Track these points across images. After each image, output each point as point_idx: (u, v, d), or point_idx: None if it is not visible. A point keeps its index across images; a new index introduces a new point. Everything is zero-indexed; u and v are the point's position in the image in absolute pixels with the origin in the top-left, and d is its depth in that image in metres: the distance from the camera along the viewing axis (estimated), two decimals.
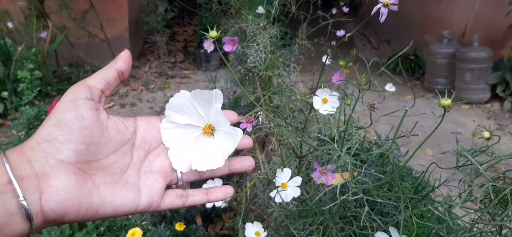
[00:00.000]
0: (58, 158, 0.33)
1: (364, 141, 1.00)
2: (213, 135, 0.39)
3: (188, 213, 1.71)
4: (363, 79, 0.77)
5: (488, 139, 0.59)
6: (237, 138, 0.38)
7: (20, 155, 0.32)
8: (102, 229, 1.50)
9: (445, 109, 0.42)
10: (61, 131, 0.33)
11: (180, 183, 0.40)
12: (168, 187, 0.40)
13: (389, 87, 1.85)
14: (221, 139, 0.39)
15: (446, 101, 0.42)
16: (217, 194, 0.41)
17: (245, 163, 0.41)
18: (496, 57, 3.56)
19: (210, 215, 1.81)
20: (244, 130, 0.72)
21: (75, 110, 0.34)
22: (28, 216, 0.31)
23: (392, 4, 0.49)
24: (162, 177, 0.39)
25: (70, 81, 3.27)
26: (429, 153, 2.69)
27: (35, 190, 0.31)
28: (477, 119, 3.36)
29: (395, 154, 1.15)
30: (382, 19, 0.48)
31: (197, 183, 0.44)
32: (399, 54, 0.64)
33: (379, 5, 0.50)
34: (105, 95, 0.38)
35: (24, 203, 0.31)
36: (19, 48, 2.76)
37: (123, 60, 0.39)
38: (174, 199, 0.39)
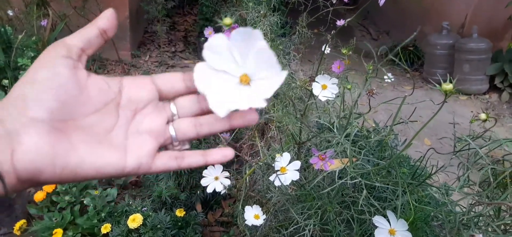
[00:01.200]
0: (30, 115, 0.31)
1: (363, 128, 1.01)
2: (249, 84, 0.37)
3: (188, 200, 1.73)
4: (371, 67, 0.78)
5: (485, 120, 0.61)
6: (280, 79, 0.35)
7: None
8: (103, 214, 1.52)
9: (446, 94, 0.43)
10: (34, 88, 0.32)
11: (175, 143, 0.38)
12: (165, 148, 0.38)
13: (388, 77, 1.85)
14: (259, 86, 0.36)
15: (448, 86, 0.43)
16: (215, 157, 0.38)
17: (247, 116, 0.38)
18: (495, 48, 3.57)
19: (209, 202, 1.83)
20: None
21: (49, 68, 0.33)
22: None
23: None
24: (153, 138, 0.37)
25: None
26: (426, 143, 2.71)
27: (6, 148, 0.30)
28: (475, 110, 3.38)
29: (394, 143, 1.17)
30: (381, 2, 0.48)
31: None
32: (398, 46, 0.64)
33: None
34: (86, 54, 0.36)
35: None
36: (20, 36, 2.75)
37: (106, 18, 0.37)
38: (167, 161, 0.37)
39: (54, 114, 0.32)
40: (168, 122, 0.38)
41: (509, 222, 0.58)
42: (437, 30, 3.80)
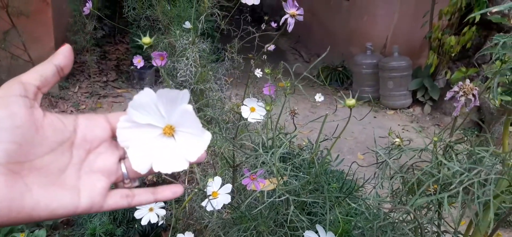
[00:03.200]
0: None
1: (294, 147, 1.05)
2: (173, 136, 0.37)
3: (125, 235, 1.66)
4: (288, 84, 0.81)
5: (398, 145, 0.66)
6: (205, 140, 0.36)
7: None
8: None
9: (350, 109, 0.47)
10: None
11: (126, 181, 0.38)
12: (116, 186, 0.38)
13: (318, 97, 1.94)
14: (182, 141, 0.37)
15: (351, 101, 0.46)
16: (165, 193, 0.39)
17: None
18: (415, 65, 3.87)
19: (148, 235, 1.77)
20: None
21: (6, 108, 0.32)
22: None
23: (298, 14, 0.54)
24: (105, 176, 0.37)
25: None
26: (359, 157, 2.85)
27: None
28: (402, 123, 3.62)
29: (326, 159, 1.22)
30: (290, 28, 0.52)
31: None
32: (310, 65, 0.69)
33: (286, 16, 0.55)
34: (42, 92, 0.35)
35: None
36: None
37: (62, 54, 0.37)
38: (119, 199, 0.37)
39: (11, 156, 0.32)
40: (120, 160, 0.38)
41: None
42: (363, 51, 4.05)
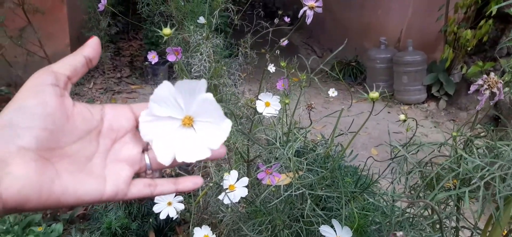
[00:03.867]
0: (19, 144, 0.32)
1: (308, 141, 1.04)
2: (192, 126, 0.38)
3: (140, 229, 1.68)
4: (304, 77, 0.81)
5: (404, 121, 0.65)
6: (226, 128, 0.36)
7: None
8: None
9: (373, 101, 0.46)
10: (23, 117, 0.32)
11: (149, 171, 0.39)
12: (138, 175, 0.39)
13: (332, 92, 1.93)
14: (203, 130, 0.37)
15: (374, 94, 0.46)
16: (186, 184, 0.40)
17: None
18: (430, 59, 3.82)
19: (163, 230, 1.78)
20: None
21: (38, 96, 0.33)
22: None
23: (317, 6, 0.53)
24: (129, 166, 0.38)
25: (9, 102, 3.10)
26: (373, 152, 2.82)
27: None
28: (416, 119, 3.58)
29: (341, 154, 1.21)
30: (309, 21, 0.51)
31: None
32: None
33: (305, 8, 0.54)
34: (72, 82, 0.37)
35: None
36: None
37: (91, 47, 0.38)
38: (142, 188, 0.38)
39: (42, 143, 0.33)
40: (143, 151, 0.39)
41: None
42: (376, 45, 4.01)
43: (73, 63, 0.37)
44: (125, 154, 0.38)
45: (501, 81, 0.51)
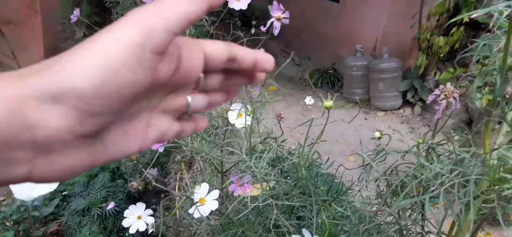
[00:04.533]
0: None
1: (282, 151, 1.05)
2: None
3: None
4: (275, 88, 0.81)
5: (379, 138, 0.66)
6: None
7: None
8: None
9: (328, 110, 0.47)
10: (98, 97, 0.24)
11: (185, 116, 0.34)
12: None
13: (308, 100, 1.95)
14: None
15: (329, 102, 0.47)
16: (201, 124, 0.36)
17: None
18: (405, 66, 3.90)
19: None
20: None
21: (132, 71, 0.25)
22: None
23: (284, 18, 0.54)
24: (173, 117, 0.33)
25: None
26: (351, 159, 2.86)
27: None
28: (392, 125, 3.64)
29: (317, 162, 1.22)
30: (276, 32, 0.52)
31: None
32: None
33: (272, 19, 0.55)
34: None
35: None
36: None
37: None
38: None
39: (102, 126, 0.27)
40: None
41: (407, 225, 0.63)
42: (352, 53, 4.07)
43: (190, 15, 0.27)
44: (176, 104, 0.32)
45: (457, 91, 0.52)
